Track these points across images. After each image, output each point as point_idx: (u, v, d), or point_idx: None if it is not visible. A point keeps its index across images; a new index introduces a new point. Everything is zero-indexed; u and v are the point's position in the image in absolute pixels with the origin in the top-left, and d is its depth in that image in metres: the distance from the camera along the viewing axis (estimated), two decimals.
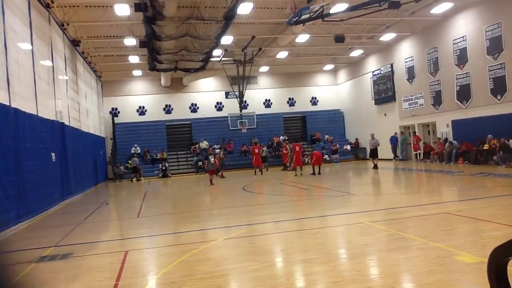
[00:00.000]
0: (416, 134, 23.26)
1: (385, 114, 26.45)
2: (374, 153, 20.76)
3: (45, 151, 12.74)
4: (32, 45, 12.16)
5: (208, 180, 18.16)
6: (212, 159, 18.59)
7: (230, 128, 30.22)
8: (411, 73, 23.43)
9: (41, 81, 12.81)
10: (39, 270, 5.85)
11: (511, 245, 1.34)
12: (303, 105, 32.42)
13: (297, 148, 19.87)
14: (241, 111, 28.13)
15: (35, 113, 11.91)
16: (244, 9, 16.55)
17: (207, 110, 30.78)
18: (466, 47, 19.04)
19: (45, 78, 13.40)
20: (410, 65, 23.41)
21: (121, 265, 5.70)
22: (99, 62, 24.90)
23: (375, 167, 20.17)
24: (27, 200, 10.44)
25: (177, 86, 29.95)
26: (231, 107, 29.83)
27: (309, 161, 20.83)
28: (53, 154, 13.56)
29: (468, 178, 14.34)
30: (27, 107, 11.12)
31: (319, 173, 19.13)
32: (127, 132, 29.01)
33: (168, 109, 30.37)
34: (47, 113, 13.15)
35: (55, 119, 14.23)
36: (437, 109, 21.44)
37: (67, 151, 15.41)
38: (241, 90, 26.03)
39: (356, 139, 30.27)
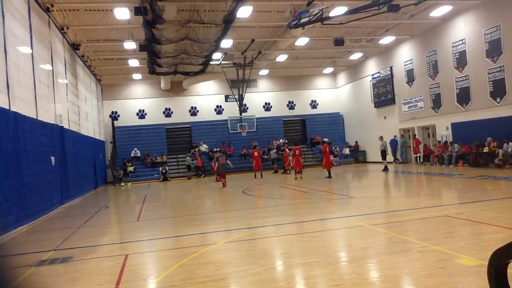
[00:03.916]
0: (416, 137, 23.26)
1: (385, 117, 26.46)
2: (383, 155, 20.85)
3: (44, 155, 12.73)
4: (32, 48, 12.18)
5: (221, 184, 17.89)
6: (224, 158, 18.35)
7: (230, 132, 30.24)
8: (410, 76, 23.46)
9: (41, 84, 12.82)
10: (39, 273, 5.84)
11: (511, 248, 1.34)
12: (302, 108, 32.43)
13: (297, 152, 19.84)
14: (241, 114, 28.14)
15: (35, 117, 11.92)
16: (243, 12, 16.57)
17: (206, 113, 30.80)
18: (465, 50, 19.08)
19: (45, 82, 13.40)
20: (410, 68, 23.45)
21: (121, 268, 5.69)
22: (99, 65, 24.93)
23: (385, 168, 20.04)
24: (26, 203, 10.43)
25: (176, 89, 29.97)
26: (231, 110, 29.86)
27: (322, 157, 20.25)
28: (52, 157, 13.56)
29: (468, 180, 14.33)
30: (27, 111, 11.14)
31: (329, 176, 18.13)
32: (127, 136, 29.04)
33: (168, 113, 30.38)
34: (46, 117, 13.15)
35: (54, 122, 14.23)
36: (436, 112, 21.46)
37: (66, 155, 15.40)
38: (240, 93, 26.04)
39: (356, 142, 30.26)
